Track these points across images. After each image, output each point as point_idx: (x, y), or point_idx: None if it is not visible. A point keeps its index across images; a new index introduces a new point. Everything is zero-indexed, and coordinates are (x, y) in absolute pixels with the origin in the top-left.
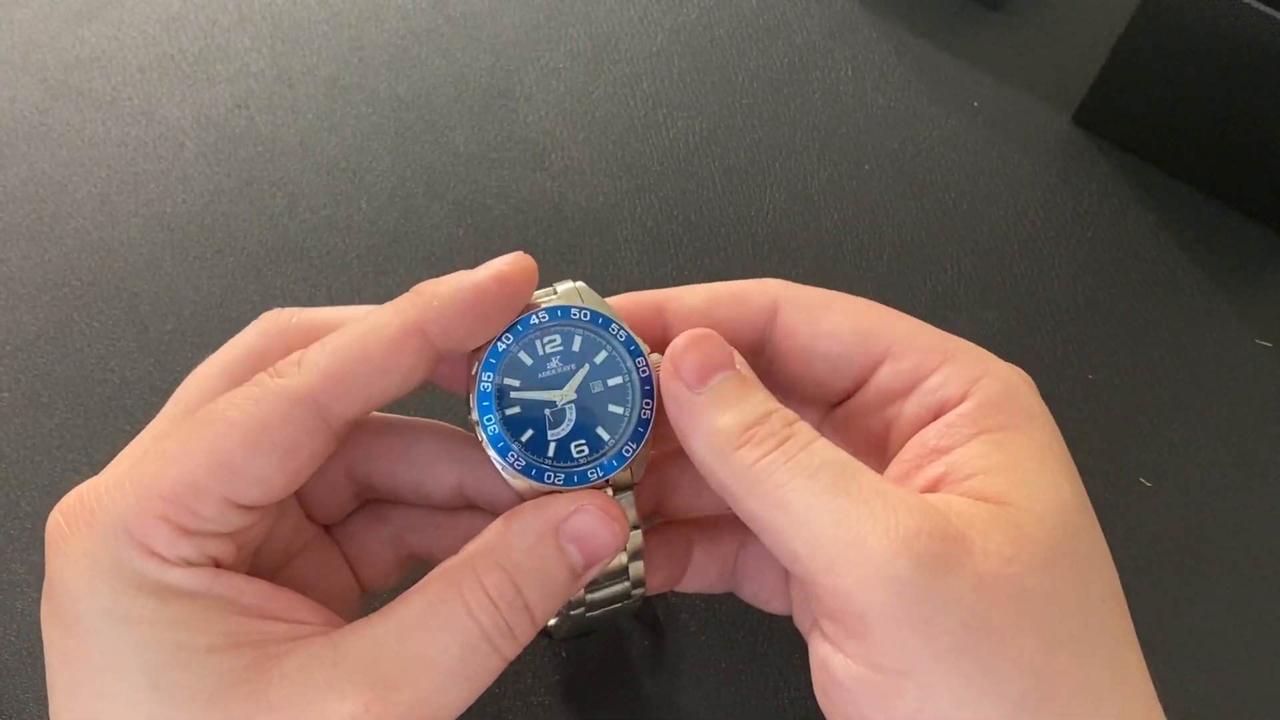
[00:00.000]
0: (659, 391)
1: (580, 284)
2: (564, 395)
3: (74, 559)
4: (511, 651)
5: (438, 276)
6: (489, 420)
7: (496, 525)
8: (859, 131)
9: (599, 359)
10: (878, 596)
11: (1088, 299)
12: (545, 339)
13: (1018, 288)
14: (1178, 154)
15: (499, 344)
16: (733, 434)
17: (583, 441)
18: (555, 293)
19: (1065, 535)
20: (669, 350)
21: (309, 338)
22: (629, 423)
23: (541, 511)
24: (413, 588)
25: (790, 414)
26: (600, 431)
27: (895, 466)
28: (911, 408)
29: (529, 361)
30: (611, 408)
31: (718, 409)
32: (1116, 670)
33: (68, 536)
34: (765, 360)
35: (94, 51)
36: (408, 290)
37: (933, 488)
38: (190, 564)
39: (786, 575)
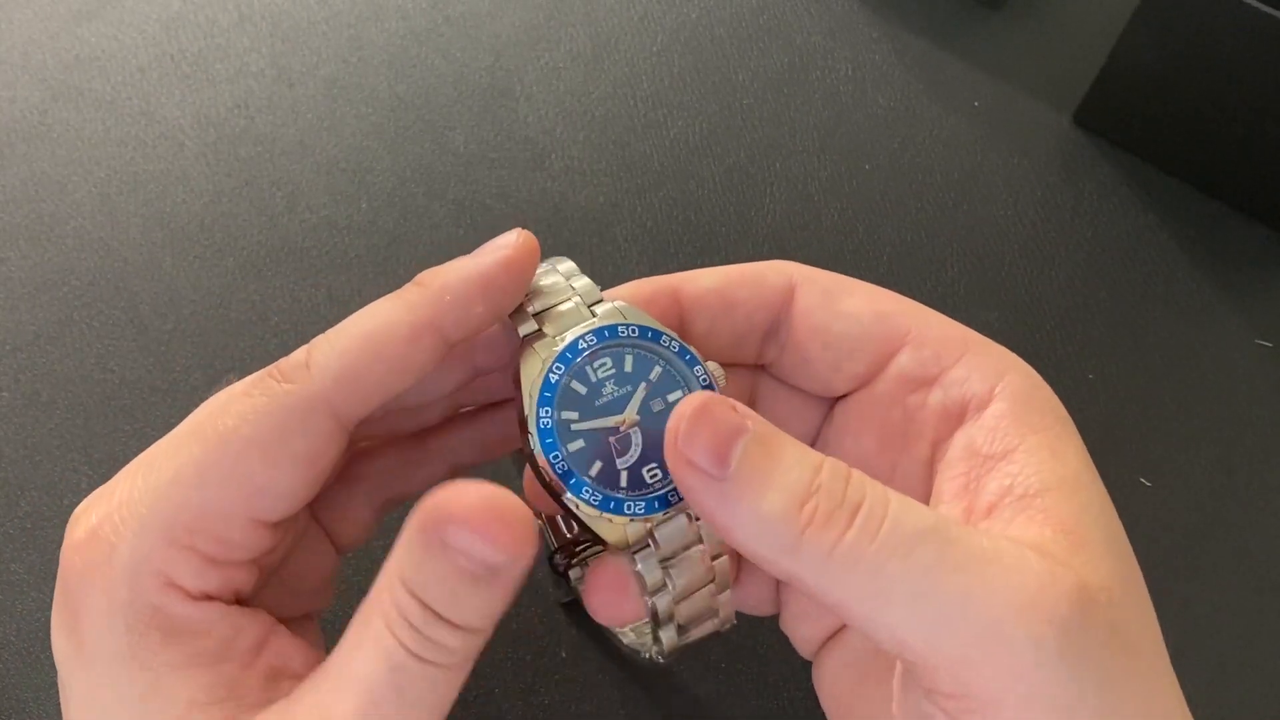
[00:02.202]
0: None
1: (620, 303)
2: (626, 420)
3: (94, 597)
4: (445, 659)
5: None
6: (556, 459)
7: (399, 539)
8: (859, 131)
9: (654, 375)
10: (1020, 685)
11: (1088, 299)
12: (595, 363)
13: (1018, 288)
14: (1178, 154)
15: (550, 375)
16: (790, 517)
17: (654, 465)
18: (572, 288)
19: (1126, 561)
20: (670, 433)
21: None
22: None
23: (424, 513)
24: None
25: (839, 464)
26: None
27: (949, 477)
28: (937, 399)
29: (583, 390)
30: None
31: (756, 490)
32: (1174, 689)
33: (85, 573)
34: (779, 343)
35: (94, 51)
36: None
37: (998, 502)
38: (210, 598)
39: (777, 583)
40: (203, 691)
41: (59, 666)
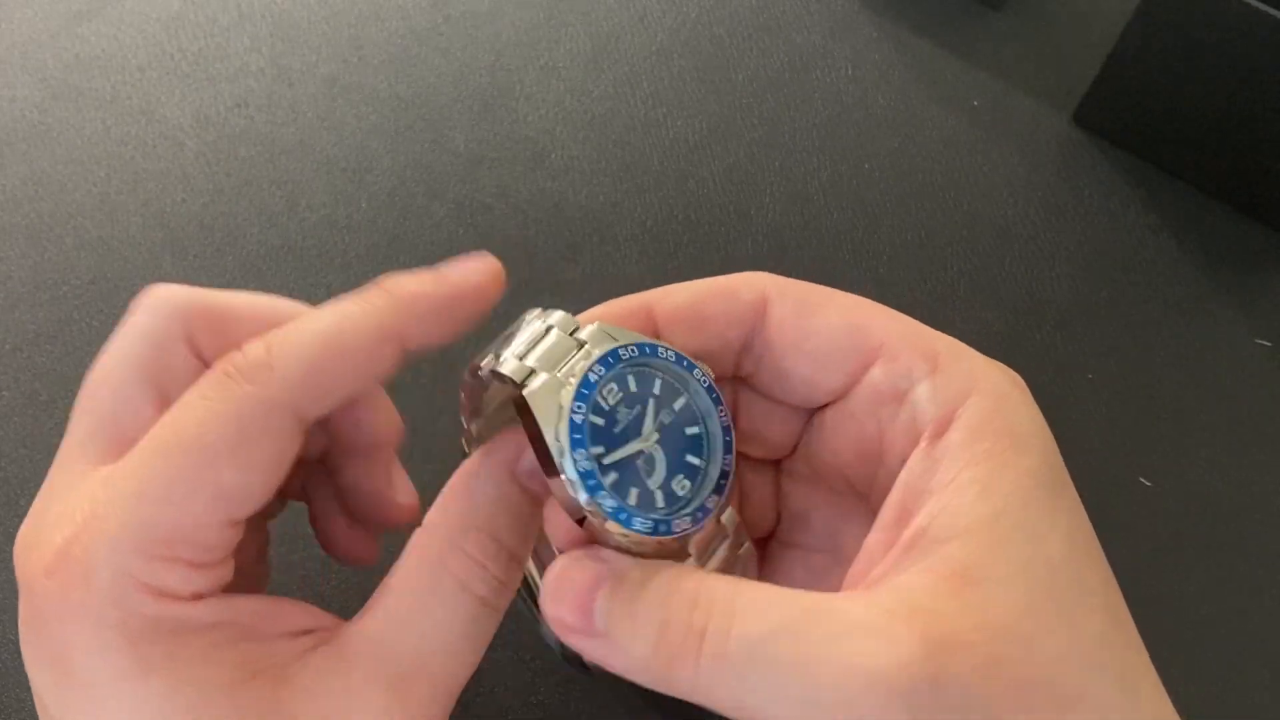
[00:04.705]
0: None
1: (598, 324)
2: (647, 441)
3: (78, 623)
4: (507, 601)
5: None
6: (604, 498)
7: (453, 489)
8: (859, 131)
9: (658, 389)
10: None
11: (1088, 299)
12: (605, 391)
13: (1017, 288)
14: (1178, 154)
15: (574, 418)
16: (655, 660)
17: (681, 476)
18: (548, 320)
19: (1046, 594)
20: (542, 596)
21: (212, 323)
22: (713, 437)
23: (491, 458)
24: (395, 574)
25: (685, 590)
26: (690, 459)
27: (888, 505)
28: (904, 417)
29: (602, 422)
30: (688, 430)
31: (622, 644)
32: (1134, 703)
33: (64, 599)
34: (755, 356)
35: (94, 51)
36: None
37: (915, 542)
38: (202, 596)
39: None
40: (236, 670)
41: (46, 703)
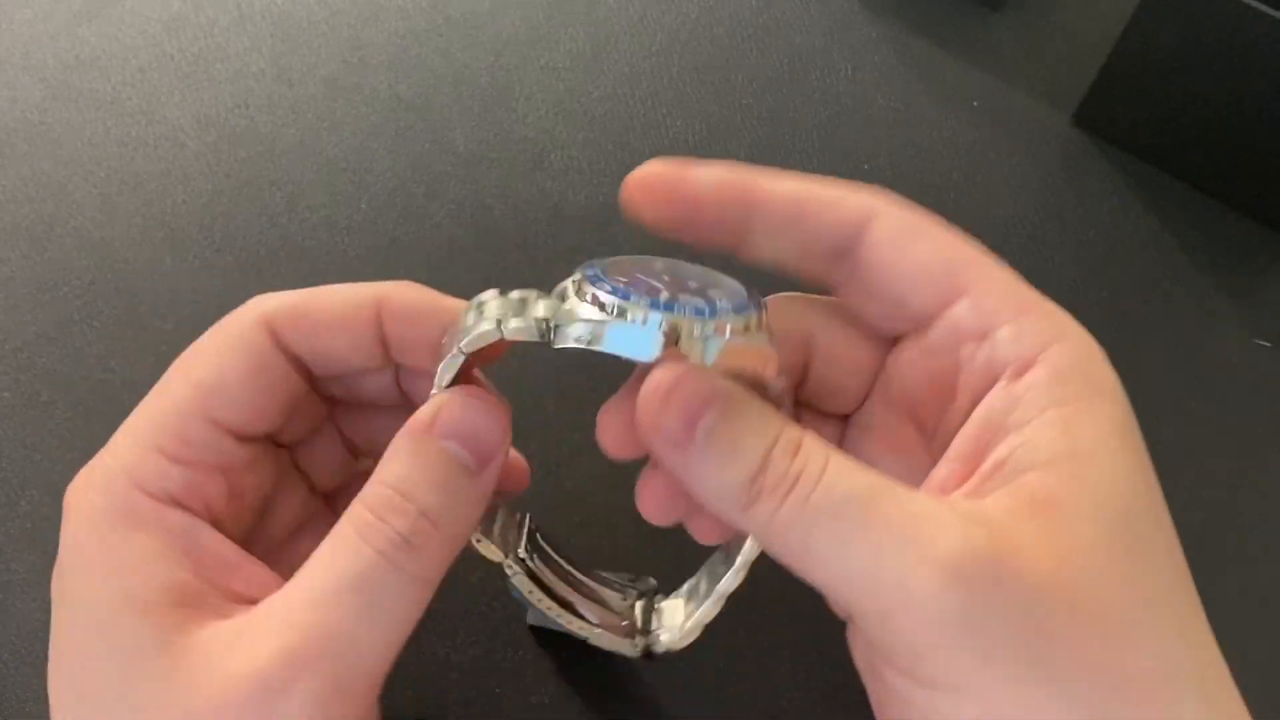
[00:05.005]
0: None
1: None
2: (677, 286)
3: (73, 510)
4: (416, 566)
5: (437, 276)
6: (681, 307)
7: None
8: (859, 132)
9: (660, 266)
10: (930, 636)
11: (1087, 299)
12: (613, 274)
13: None
14: (1178, 154)
15: (599, 291)
16: (742, 490)
17: (720, 291)
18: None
19: (1120, 529)
20: (642, 401)
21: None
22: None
23: (410, 423)
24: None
25: (794, 438)
26: (714, 292)
27: (963, 438)
28: (983, 355)
29: (626, 281)
30: (707, 278)
31: (715, 463)
32: (1189, 649)
33: (72, 496)
34: (848, 267)
35: (94, 51)
36: None
37: (992, 474)
38: (177, 503)
39: None
40: (156, 591)
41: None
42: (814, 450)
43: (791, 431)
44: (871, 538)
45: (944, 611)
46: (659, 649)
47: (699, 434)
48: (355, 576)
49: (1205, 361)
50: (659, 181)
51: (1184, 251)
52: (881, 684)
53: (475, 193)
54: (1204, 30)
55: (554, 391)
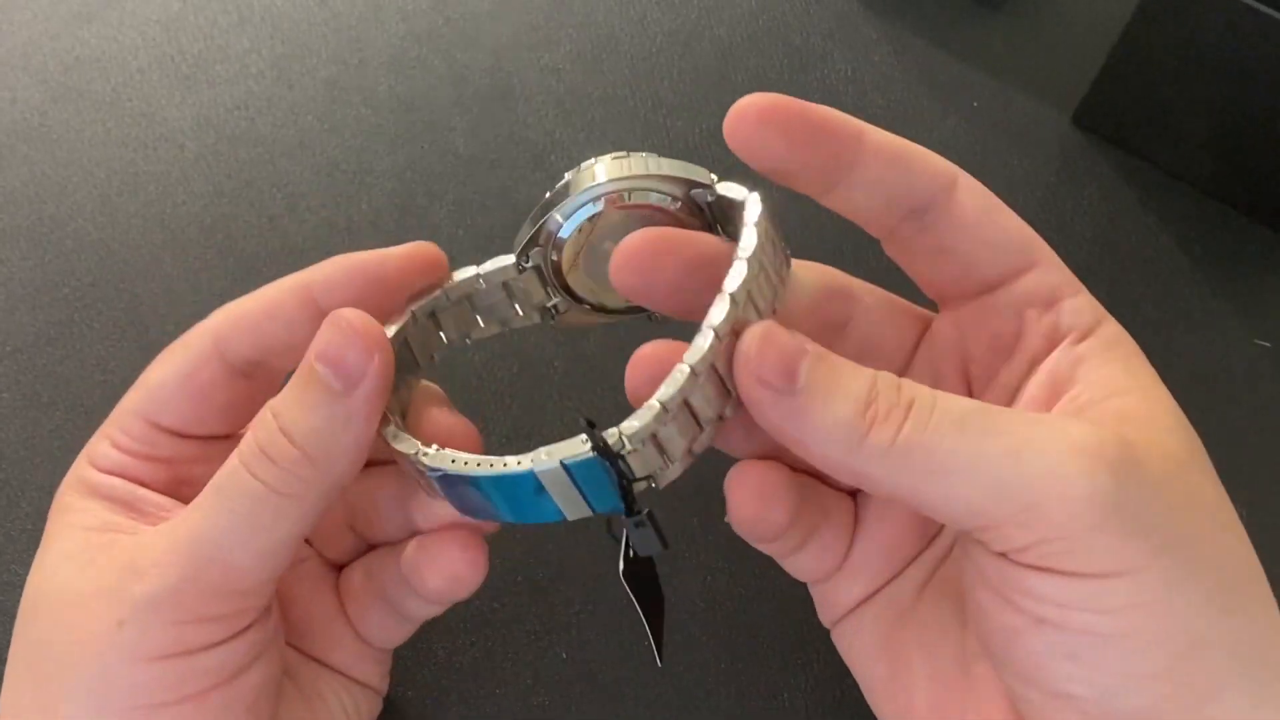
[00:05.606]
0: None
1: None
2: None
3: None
4: (271, 476)
5: None
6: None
7: None
8: None
9: None
10: (1089, 519)
11: None
12: None
13: None
14: (1178, 154)
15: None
16: (856, 421)
17: None
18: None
19: (1193, 442)
20: (741, 358)
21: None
22: None
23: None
24: None
25: (889, 374)
26: None
27: (1035, 388)
28: (1048, 321)
29: None
30: None
31: (823, 402)
32: (1249, 549)
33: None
34: (923, 225)
35: (94, 52)
36: None
37: (1071, 408)
38: (118, 475)
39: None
40: (91, 519)
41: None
42: (916, 384)
43: (885, 371)
44: (1006, 440)
45: (1100, 493)
46: None
47: (801, 377)
48: (217, 483)
49: (1205, 361)
50: (779, 108)
51: (1184, 251)
52: (979, 606)
53: (475, 194)
54: (1204, 30)
55: (556, 394)
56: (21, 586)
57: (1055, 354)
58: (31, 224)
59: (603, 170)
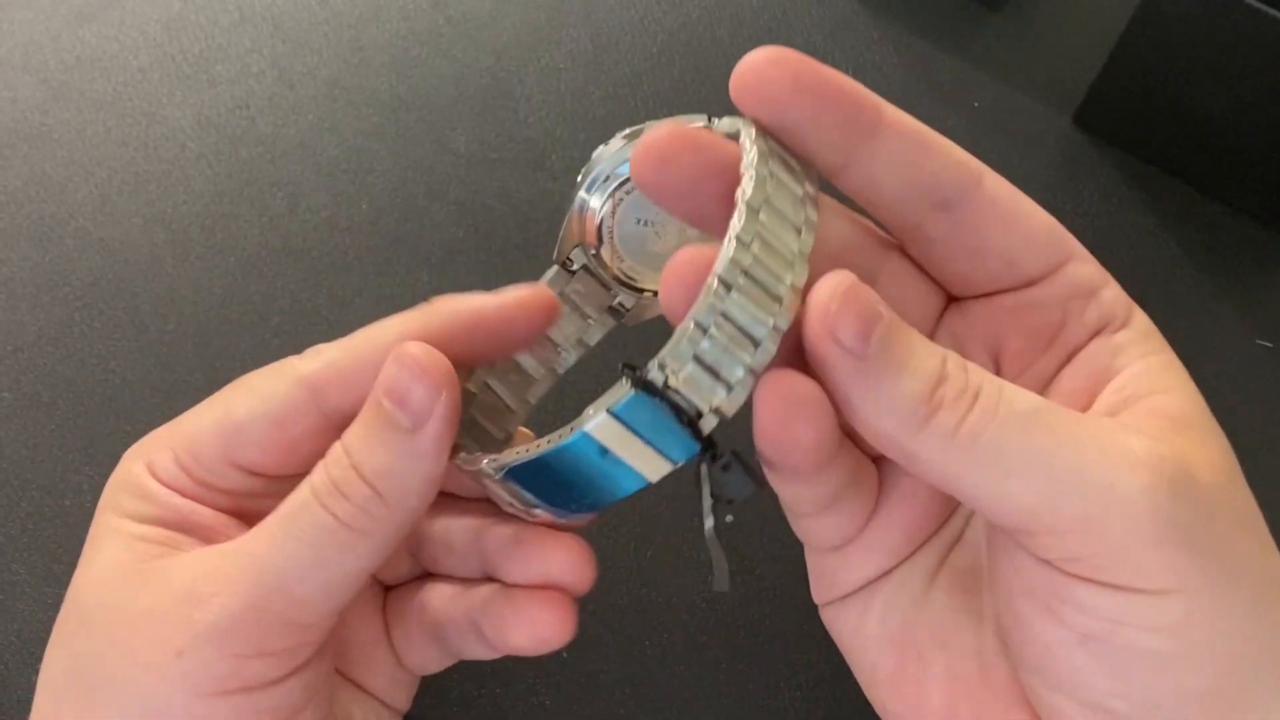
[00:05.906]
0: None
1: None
2: None
3: (117, 469)
4: (344, 511)
5: (438, 278)
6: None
7: None
8: None
9: None
10: (1145, 534)
11: None
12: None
13: None
14: (1178, 154)
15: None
16: (923, 400)
17: None
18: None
19: (1229, 447)
20: (818, 310)
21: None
22: None
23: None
24: None
25: (958, 355)
26: None
27: (1073, 379)
28: (1091, 311)
29: None
30: None
31: (893, 374)
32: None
33: (124, 458)
34: (953, 218)
35: (95, 52)
36: (415, 297)
37: (1110, 400)
38: (182, 494)
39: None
40: (141, 529)
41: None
42: (984, 371)
43: (954, 354)
44: (1071, 446)
45: (1158, 510)
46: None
47: (874, 343)
48: (285, 513)
49: (1205, 361)
50: (792, 57)
51: (1184, 251)
52: (1015, 614)
53: (476, 193)
54: (1204, 30)
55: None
56: (22, 586)
57: (1095, 343)
58: (32, 223)
59: (615, 141)
